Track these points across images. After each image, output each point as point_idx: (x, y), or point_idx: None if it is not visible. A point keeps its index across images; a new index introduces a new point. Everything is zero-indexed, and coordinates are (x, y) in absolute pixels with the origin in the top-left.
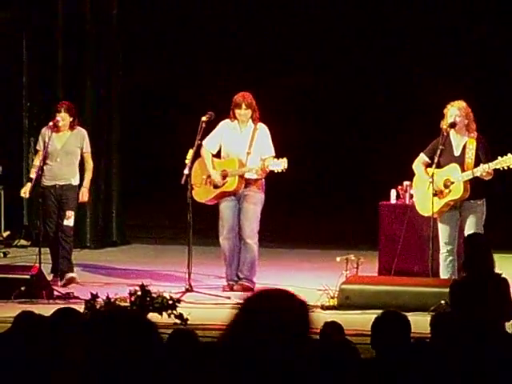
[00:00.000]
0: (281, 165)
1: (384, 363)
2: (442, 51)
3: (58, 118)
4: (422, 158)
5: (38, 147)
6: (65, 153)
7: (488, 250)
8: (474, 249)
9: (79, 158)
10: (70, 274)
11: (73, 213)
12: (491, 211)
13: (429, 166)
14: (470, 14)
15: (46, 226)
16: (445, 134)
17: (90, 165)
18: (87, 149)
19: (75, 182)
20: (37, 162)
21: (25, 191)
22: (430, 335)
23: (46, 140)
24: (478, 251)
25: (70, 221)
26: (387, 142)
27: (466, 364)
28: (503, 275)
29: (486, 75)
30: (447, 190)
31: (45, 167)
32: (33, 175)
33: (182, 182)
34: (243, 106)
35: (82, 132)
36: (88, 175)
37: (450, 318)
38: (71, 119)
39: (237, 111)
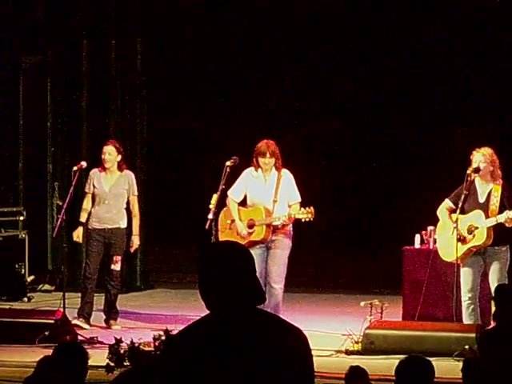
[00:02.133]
0: (308, 214)
1: None
2: (471, 98)
3: (104, 156)
4: (447, 203)
5: (86, 190)
6: (113, 195)
7: None
8: (504, 301)
9: (126, 200)
10: (113, 322)
11: (120, 257)
12: None
13: (453, 211)
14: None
15: (86, 267)
16: (469, 179)
17: (137, 209)
18: (135, 192)
19: (123, 225)
20: (86, 205)
21: (78, 235)
22: (455, 381)
23: (93, 183)
24: (508, 304)
25: (117, 265)
26: (412, 187)
27: None
28: None
29: None
30: (470, 236)
31: (92, 210)
32: (83, 219)
33: (207, 226)
34: (267, 155)
35: (130, 174)
36: (136, 221)
37: (480, 363)
38: (118, 158)
39: (260, 160)
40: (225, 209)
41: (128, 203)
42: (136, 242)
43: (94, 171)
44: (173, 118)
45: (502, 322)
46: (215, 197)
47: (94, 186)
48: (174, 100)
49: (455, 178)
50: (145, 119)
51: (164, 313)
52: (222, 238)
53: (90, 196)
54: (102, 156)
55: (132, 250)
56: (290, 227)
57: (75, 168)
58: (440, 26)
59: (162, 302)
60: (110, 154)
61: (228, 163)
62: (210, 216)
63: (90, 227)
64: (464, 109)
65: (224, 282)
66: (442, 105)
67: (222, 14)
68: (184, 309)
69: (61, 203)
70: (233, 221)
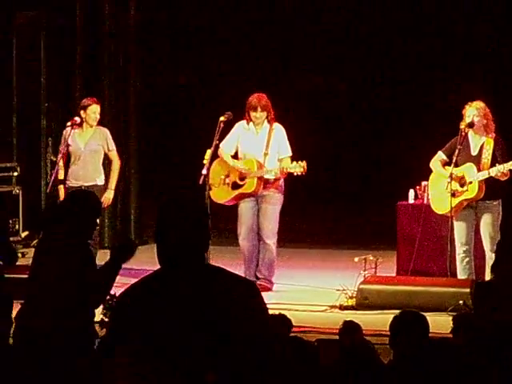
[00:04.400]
0: (301, 168)
1: (403, 363)
2: (462, 52)
3: (84, 116)
4: (440, 156)
5: (60, 148)
6: (89, 151)
7: None
8: (504, 253)
9: (102, 156)
10: None
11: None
12: None
13: (446, 164)
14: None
15: None
16: (463, 133)
17: (116, 164)
18: (112, 146)
19: (100, 181)
20: (62, 164)
21: (61, 194)
22: (449, 336)
23: (70, 140)
24: (508, 255)
25: None
26: (405, 141)
27: (488, 366)
28: None
29: (507, 77)
30: (462, 189)
31: (69, 168)
32: (61, 177)
33: (200, 182)
34: (258, 109)
35: (104, 130)
36: (114, 176)
37: (472, 320)
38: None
39: (252, 114)
40: (218, 160)
41: (106, 159)
42: (108, 196)
43: (67, 129)
44: (166, 73)
45: (499, 273)
46: (209, 152)
47: (68, 145)
48: (168, 56)
49: (448, 132)
50: (138, 74)
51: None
52: (215, 192)
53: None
54: (92, 115)
55: (104, 205)
56: (281, 182)
57: (69, 123)
58: None
59: (155, 258)
60: (98, 113)
61: (222, 118)
62: (204, 171)
63: (67, 186)
64: (456, 63)
65: (172, 235)
66: (435, 60)
67: None
68: None
69: (54, 159)
70: (227, 176)
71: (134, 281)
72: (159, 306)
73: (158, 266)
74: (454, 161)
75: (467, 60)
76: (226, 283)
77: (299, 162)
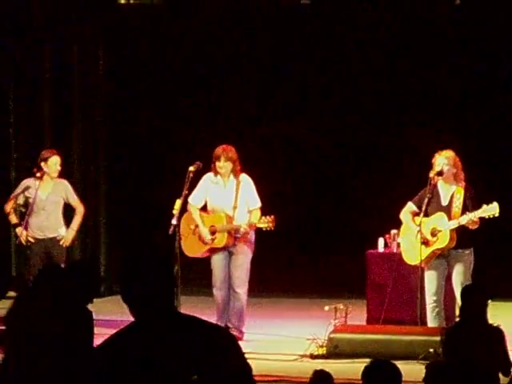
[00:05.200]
0: (269, 223)
1: None
2: (432, 102)
3: (45, 169)
4: (410, 207)
5: (15, 199)
6: (51, 202)
7: (484, 300)
8: (470, 300)
9: (62, 208)
10: None
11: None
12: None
13: (416, 215)
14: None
15: (27, 273)
16: (432, 182)
17: (79, 209)
18: (73, 196)
19: (63, 232)
20: (9, 208)
21: (25, 237)
22: None
23: (28, 192)
24: (474, 302)
25: None
26: (374, 190)
27: None
28: (497, 325)
29: (477, 126)
30: (434, 239)
31: (29, 219)
32: (17, 220)
33: (170, 231)
34: (222, 159)
35: (63, 182)
36: (77, 218)
37: (444, 367)
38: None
39: (217, 164)
40: (186, 214)
41: (66, 209)
42: (68, 235)
43: (27, 180)
44: (135, 123)
45: (466, 320)
46: (178, 202)
47: (27, 196)
48: (137, 104)
49: (417, 181)
50: (107, 125)
51: (128, 319)
52: (184, 243)
53: (13, 201)
54: (53, 167)
55: (63, 244)
56: (251, 233)
57: (38, 174)
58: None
59: (125, 308)
60: (59, 164)
61: (191, 168)
62: (174, 221)
63: (29, 237)
64: (426, 112)
65: (135, 286)
66: (404, 108)
67: (183, 13)
68: None
69: (24, 210)
70: (196, 226)
71: (107, 331)
72: (134, 358)
73: (127, 316)
74: (423, 210)
75: (437, 110)
76: (200, 331)
77: (267, 217)
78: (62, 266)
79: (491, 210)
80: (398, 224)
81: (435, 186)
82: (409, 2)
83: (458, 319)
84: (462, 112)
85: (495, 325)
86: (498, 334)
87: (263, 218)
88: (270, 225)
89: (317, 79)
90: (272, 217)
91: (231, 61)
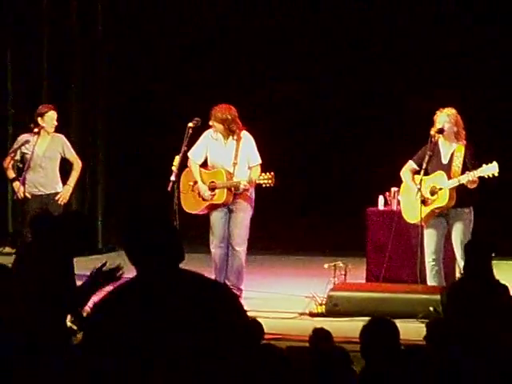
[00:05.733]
0: (269, 180)
1: (375, 372)
2: (433, 58)
3: (42, 124)
4: (410, 165)
5: (12, 154)
6: (48, 159)
7: (489, 256)
8: (475, 255)
9: (59, 163)
10: None
11: None
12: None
13: (417, 173)
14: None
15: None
16: (433, 140)
17: (77, 165)
18: (70, 151)
19: (60, 189)
20: (7, 164)
21: (22, 192)
22: (420, 342)
23: (25, 148)
24: (479, 257)
25: None
26: (375, 148)
27: (461, 373)
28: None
29: (480, 83)
30: (433, 198)
31: (27, 175)
32: (14, 175)
33: (169, 188)
34: (212, 119)
35: (60, 137)
36: (74, 174)
37: (445, 326)
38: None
39: (210, 123)
40: (186, 170)
41: (63, 164)
42: (64, 192)
43: (23, 136)
44: (134, 79)
45: (470, 277)
46: (177, 158)
47: (24, 152)
48: (136, 61)
49: (418, 138)
50: (105, 79)
51: (126, 276)
52: (183, 199)
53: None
54: (50, 122)
55: (60, 201)
56: (251, 191)
57: (36, 130)
58: None
59: (123, 264)
60: (55, 119)
61: (190, 124)
62: (173, 178)
63: (26, 193)
64: (427, 70)
65: (145, 243)
66: (405, 66)
67: None
68: None
69: (21, 165)
70: (195, 182)
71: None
72: (135, 311)
73: (125, 272)
74: (423, 168)
75: (439, 67)
76: (200, 287)
77: (267, 174)
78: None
79: (491, 169)
80: (398, 182)
81: (436, 143)
82: None
83: (460, 276)
84: (466, 70)
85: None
86: (504, 290)
87: (263, 174)
88: (270, 181)
89: (312, 43)
90: (272, 173)
91: (227, 22)
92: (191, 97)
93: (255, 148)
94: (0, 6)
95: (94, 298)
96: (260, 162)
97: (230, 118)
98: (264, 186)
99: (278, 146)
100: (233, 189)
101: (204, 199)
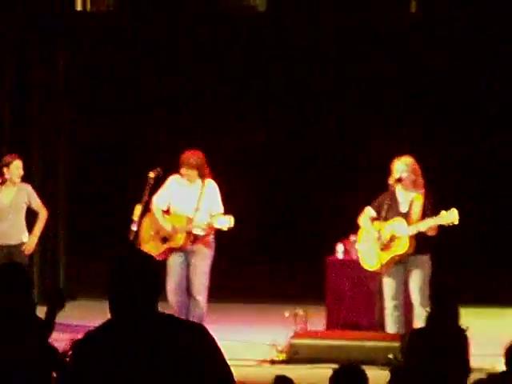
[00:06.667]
0: (227, 222)
1: None
2: (389, 106)
3: (7, 174)
4: (369, 211)
5: None
6: (14, 209)
7: (454, 301)
8: (440, 299)
9: (24, 213)
10: None
11: None
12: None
13: (375, 220)
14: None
15: None
16: (391, 189)
17: (42, 214)
18: (36, 200)
19: (25, 239)
20: None
21: None
22: None
23: None
24: (444, 302)
25: None
26: (333, 196)
27: None
28: (465, 329)
29: (435, 130)
30: (392, 244)
31: None
32: None
33: (131, 237)
34: (185, 167)
35: (26, 186)
36: (39, 224)
37: (408, 371)
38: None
39: (182, 170)
40: (148, 215)
41: (29, 213)
42: (30, 242)
43: None
44: (96, 128)
45: (434, 321)
46: (138, 208)
47: None
48: (98, 109)
49: (374, 186)
50: (67, 129)
51: (87, 324)
52: (144, 248)
53: None
54: (16, 171)
55: (26, 251)
56: (211, 237)
57: (151, 174)
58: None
59: (84, 313)
60: (21, 168)
61: (151, 174)
62: (134, 228)
63: None
64: (381, 117)
65: (123, 285)
66: (359, 113)
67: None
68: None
69: None
70: (157, 232)
71: (63, 336)
72: (113, 354)
73: (85, 321)
74: (383, 216)
75: (394, 113)
76: (176, 330)
77: (226, 216)
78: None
79: (450, 217)
80: (356, 229)
81: (394, 192)
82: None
83: (423, 323)
84: (421, 116)
85: (463, 327)
86: (462, 338)
87: (221, 216)
88: (229, 225)
89: (277, 87)
90: (231, 216)
91: (196, 63)
92: (151, 145)
93: (219, 197)
94: None
95: (72, 337)
96: (222, 211)
97: (201, 163)
98: (222, 229)
99: (238, 192)
100: (192, 233)
101: (163, 241)
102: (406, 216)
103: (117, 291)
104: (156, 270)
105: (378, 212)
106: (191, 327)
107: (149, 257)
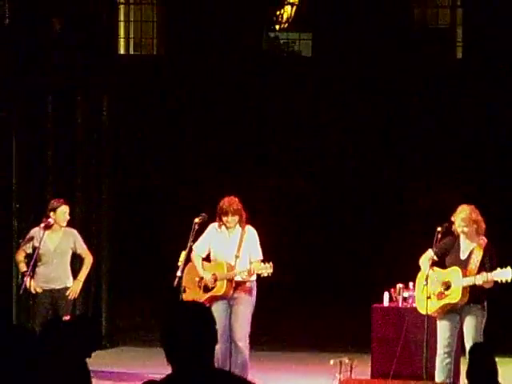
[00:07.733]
0: (267, 269)
1: None
2: (441, 155)
3: (51, 219)
4: (430, 254)
5: (26, 249)
6: (59, 254)
7: (491, 360)
8: (477, 359)
9: (70, 258)
10: None
11: (69, 317)
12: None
13: (434, 262)
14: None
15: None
16: (456, 234)
17: (88, 259)
18: (82, 246)
19: (70, 283)
20: (22, 258)
21: (34, 287)
22: None
23: (37, 242)
24: (481, 362)
25: None
26: (381, 243)
27: None
28: None
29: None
30: (446, 293)
31: (37, 269)
32: (26, 269)
33: (175, 284)
34: (229, 214)
35: (72, 231)
36: (84, 269)
37: None
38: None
39: (223, 218)
40: (189, 265)
41: (74, 258)
42: (74, 287)
43: (36, 230)
44: (140, 174)
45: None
46: (184, 254)
47: (35, 246)
48: (141, 157)
49: (424, 234)
50: (111, 175)
51: (130, 371)
52: (187, 295)
53: (23, 251)
54: (62, 216)
55: (70, 296)
56: (252, 284)
57: (42, 225)
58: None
59: (127, 360)
60: (68, 214)
61: (196, 220)
62: (179, 273)
63: (37, 288)
64: (436, 165)
65: (185, 340)
66: (413, 160)
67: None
68: (149, 367)
69: (26, 260)
70: (201, 278)
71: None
72: None
73: (128, 368)
74: (443, 259)
75: (450, 163)
76: None
77: (266, 264)
78: (67, 317)
79: (504, 274)
80: (404, 277)
81: (457, 237)
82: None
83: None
84: (475, 165)
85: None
86: None
87: (262, 264)
88: (268, 271)
89: (319, 138)
90: (270, 263)
91: (232, 110)
92: (195, 190)
93: (258, 243)
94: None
95: None
96: (261, 257)
97: (241, 209)
98: (262, 275)
99: (282, 240)
100: (233, 280)
101: (205, 290)
102: (465, 264)
103: (175, 343)
104: (213, 321)
105: (438, 255)
106: None
107: (205, 308)
